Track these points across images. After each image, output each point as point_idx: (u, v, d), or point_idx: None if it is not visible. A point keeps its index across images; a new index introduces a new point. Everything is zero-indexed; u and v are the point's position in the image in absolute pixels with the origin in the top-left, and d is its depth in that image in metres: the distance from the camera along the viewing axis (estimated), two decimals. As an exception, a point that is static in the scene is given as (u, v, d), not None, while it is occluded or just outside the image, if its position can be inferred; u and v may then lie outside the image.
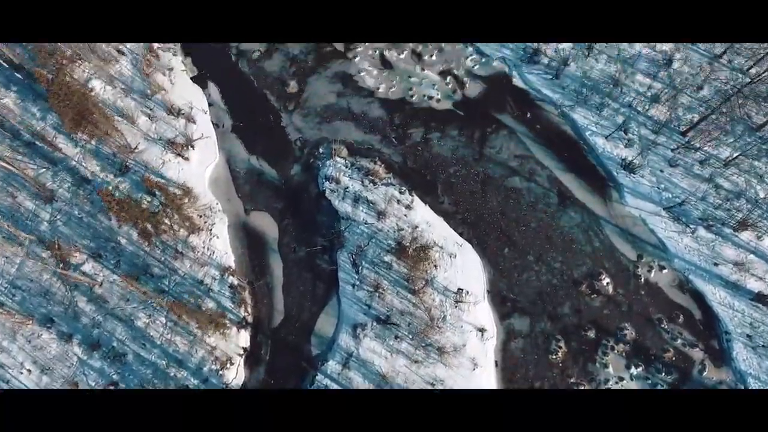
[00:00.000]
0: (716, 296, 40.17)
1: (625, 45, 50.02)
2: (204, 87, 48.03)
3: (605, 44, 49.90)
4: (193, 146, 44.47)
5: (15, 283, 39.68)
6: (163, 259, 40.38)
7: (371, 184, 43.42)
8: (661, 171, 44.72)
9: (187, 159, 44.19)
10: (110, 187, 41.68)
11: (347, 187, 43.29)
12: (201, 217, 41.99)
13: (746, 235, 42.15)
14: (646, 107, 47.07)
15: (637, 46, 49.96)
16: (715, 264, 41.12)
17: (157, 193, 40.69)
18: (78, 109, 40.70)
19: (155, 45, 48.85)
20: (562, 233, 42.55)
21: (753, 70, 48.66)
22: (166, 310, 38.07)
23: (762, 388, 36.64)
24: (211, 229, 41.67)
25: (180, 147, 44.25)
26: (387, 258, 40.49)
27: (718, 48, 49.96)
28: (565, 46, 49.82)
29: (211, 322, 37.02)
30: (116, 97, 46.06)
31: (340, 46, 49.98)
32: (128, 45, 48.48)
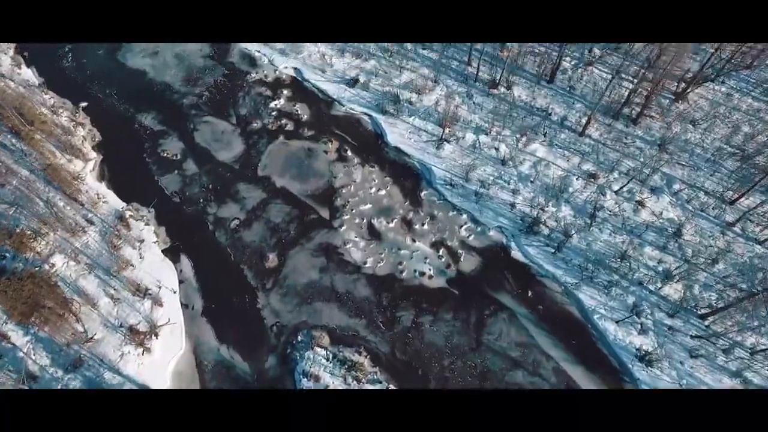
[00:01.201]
0: None
1: (629, 213, 46.84)
2: (176, 261, 44.08)
3: (609, 213, 46.75)
4: (157, 335, 39.83)
5: None
6: (108, 482, 34.41)
7: (355, 381, 38.33)
8: (682, 363, 39.76)
9: (149, 350, 39.39)
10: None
11: (328, 386, 38.11)
12: (158, 425, 36.52)
13: (788, 447, 36.42)
14: (659, 285, 42.94)
15: (644, 215, 46.75)
16: (756, 485, 35.07)
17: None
18: (29, 302, 36.73)
19: (127, 213, 45.68)
20: (574, 443, 36.83)
21: (770, 241, 45.25)
22: None
23: None
24: (168, 442, 36.04)
25: (142, 336, 39.59)
26: (371, 483, 34.54)
27: (730, 216, 46.78)
28: (566, 214, 46.59)
29: None
30: (78, 275, 42.07)
31: (325, 214, 46.73)
32: (98, 214, 45.31)
